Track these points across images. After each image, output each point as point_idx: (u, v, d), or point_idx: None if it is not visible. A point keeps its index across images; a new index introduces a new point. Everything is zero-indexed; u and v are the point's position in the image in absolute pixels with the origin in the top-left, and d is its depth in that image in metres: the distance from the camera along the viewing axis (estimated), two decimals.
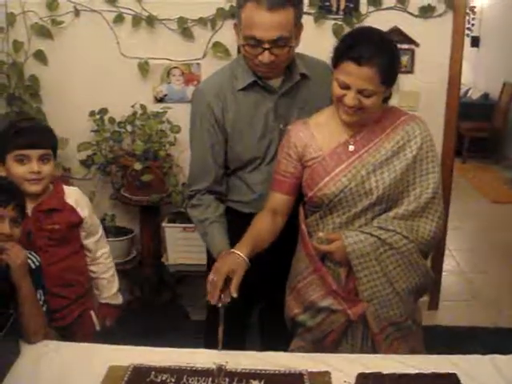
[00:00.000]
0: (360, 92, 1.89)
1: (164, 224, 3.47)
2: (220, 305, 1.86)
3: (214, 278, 1.89)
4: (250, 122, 2.20)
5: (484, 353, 1.89)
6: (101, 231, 2.48)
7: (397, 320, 2.06)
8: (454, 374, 1.69)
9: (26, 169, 2.17)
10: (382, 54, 1.87)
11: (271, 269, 2.28)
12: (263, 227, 2.11)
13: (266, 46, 2.01)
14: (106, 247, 2.49)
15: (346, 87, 1.90)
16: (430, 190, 2.04)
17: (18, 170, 2.17)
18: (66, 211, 2.30)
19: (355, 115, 1.96)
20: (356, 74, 1.87)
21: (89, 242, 2.41)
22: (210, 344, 1.95)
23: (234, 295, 1.85)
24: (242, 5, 2.03)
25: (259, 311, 2.67)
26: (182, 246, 3.43)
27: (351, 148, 2.03)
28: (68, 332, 2.28)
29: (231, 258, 1.96)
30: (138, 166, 3.21)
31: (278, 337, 2.39)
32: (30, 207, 2.20)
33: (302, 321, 2.14)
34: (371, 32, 1.97)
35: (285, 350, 2.06)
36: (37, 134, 2.23)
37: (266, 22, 1.98)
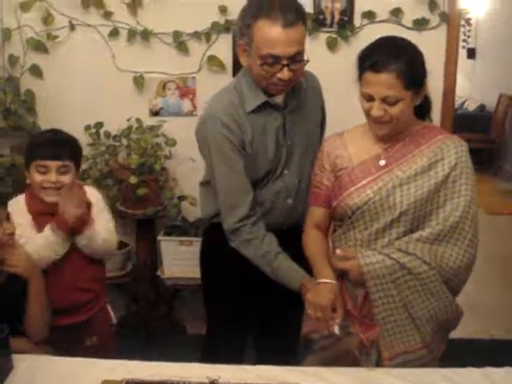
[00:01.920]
0: (384, 101, 1.86)
1: (160, 237, 3.46)
2: (337, 330, 1.89)
3: (319, 314, 1.91)
4: (264, 142, 2.18)
5: (480, 365, 1.88)
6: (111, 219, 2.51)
7: (410, 348, 1.96)
8: None
9: (45, 178, 2.24)
10: (399, 57, 1.84)
11: (264, 291, 2.30)
12: (323, 244, 2.11)
13: (285, 62, 2.01)
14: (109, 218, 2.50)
15: (371, 98, 1.88)
16: (458, 213, 1.92)
17: (38, 179, 2.25)
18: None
19: (384, 127, 1.93)
20: (376, 83, 1.85)
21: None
22: (208, 359, 1.97)
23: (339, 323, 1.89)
24: (251, 24, 2.01)
25: (255, 336, 2.63)
26: (178, 260, 3.42)
27: (382, 162, 1.99)
28: (89, 326, 2.36)
29: (325, 288, 1.96)
30: (133, 180, 3.21)
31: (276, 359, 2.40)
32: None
33: (317, 339, 2.06)
34: (386, 39, 1.96)
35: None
36: (57, 147, 2.28)
37: (285, 39, 1.98)
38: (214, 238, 2.40)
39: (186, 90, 3.45)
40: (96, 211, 2.38)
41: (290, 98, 2.21)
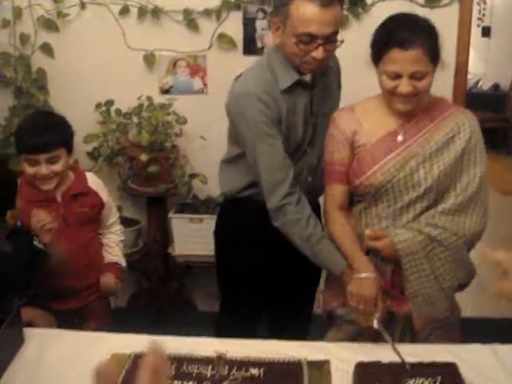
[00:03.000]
0: (412, 77, 1.86)
1: (171, 215, 3.48)
2: (376, 324, 1.90)
3: (361, 307, 1.95)
4: (294, 120, 2.19)
5: (490, 343, 1.89)
6: (117, 212, 2.64)
7: (440, 317, 2.04)
8: (454, 364, 1.70)
9: (36, 170, 2.22)
10: (424, 32, 1.86)
11: (280, 268, 2.33)
12: (352, 230, 2.09)
13: (320, 41, 2.01)
14: (119, 224, 2.63)
15: (397, 76, 1.88)
16: (475, 183, 2.00)
17: (29, 171, 2.24)
18: (90, 195, 2.41)
19: (410, 102, 1.93)
20: (404, 59, 1.85)
21: (110, 224, 2.55)
22: (222, 336, 2.03)
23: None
24: (288, 2, 2.00)
25: (268, 313, 2.64)
26: (188, 237, 3.44)
27: (400, 138, 2.00)
28: (87, 312, 2.40)
29: (368, 282, 1.97)
30: (144, 157, 3.22)
31: (290, 331, 2.42)
32: (58, 193, 2.32)
33: (342, 315, 2.11)
34: (405, 16, 1.96)
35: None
36: (44, 136, 2.21)
37: (322, 18, 1.98)
38: (232, 214, 2.42)
39: (196, 67, 3.44)
40: (106, 212, 2.48)
41: (318, 77, 2.21)
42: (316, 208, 2.33)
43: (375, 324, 1.89)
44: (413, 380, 1.62)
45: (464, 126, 2.01)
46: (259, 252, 2.29)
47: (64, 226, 2.27)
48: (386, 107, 2.02)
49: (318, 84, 2.22)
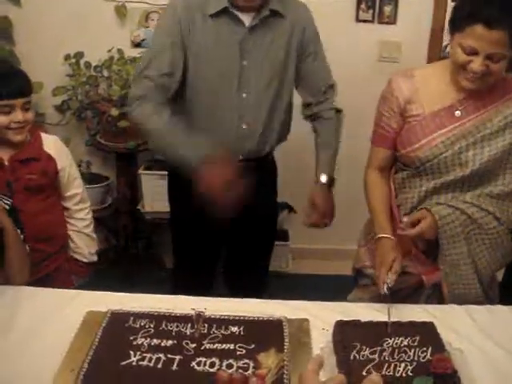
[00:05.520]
0: (489, 57, 1.76)
1: (140, 171, 3.43)
2: (386, 289, 1.84)
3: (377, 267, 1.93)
4: (217, 52, 2.14)
5: None
6: (82, 185, 2.40)
7: (472, 299, 1.97)
8: (431, 323, 1.71)
9: (11, 118, 2.11)
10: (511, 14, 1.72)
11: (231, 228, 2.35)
12: (387, 194, 2.07)
13: None
14: (86, 202, 2.41)
15: (474, 53, 1.77)
16: None
17: (3, 120, 2.11)
18: (43, 161, 2.23)
19: (479, 82, 1.83)
20: (486, 38, 1.72)
21: (69, 196, 2.34)
22: (180, 290, 2.00)
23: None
24: None
25: (226, 259, 2.67)
26: (158, 194, 3.38)
27: (457, 113, 1.92)
28: (48, 282, 2.21)
29: (388, 244, 1.94)
30: (114, 112, 3.15)
31: (245, 283, 2.47)
32: (7, 157, 2.16)
33: (372, 274, 2.08)
34: None
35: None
36: (20, 82, 2.14)
37: None
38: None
39: None
40: (64, 181, 2.28)
41: (262, 24, 2.15)
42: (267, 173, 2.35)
43: (385, 288, 1.83)
44: (392, 339, 1.63)
45: None
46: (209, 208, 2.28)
47: (8, 193, 2.09)
48: (449, 78, 1.93)
49: (255, 26, 2.15)
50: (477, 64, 1.78)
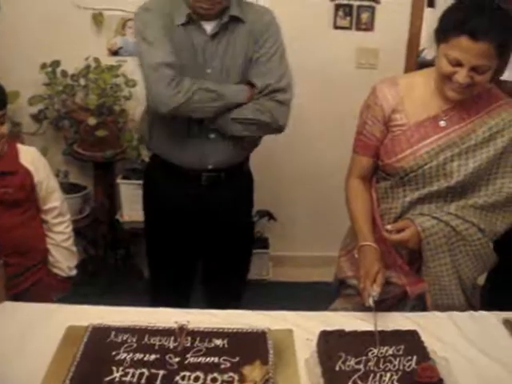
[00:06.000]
0: (474, 69, 1.75)
1: (119, 180, 3.40)
2: (371, 302, 1.81)
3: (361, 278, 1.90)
4: (183, 61, 2.13)
5: None
6: (61, 198, 2.31)
7: (455, 307, 1.97)
8: (415, 331, 1.71)
9: None
10: (498, 26, 1.72)
11: (215, 225, 2.32)
12: (368, 202, 2.05)
13: None
14: (66, 215, 2.33)
15: (458, 64, 1.76)
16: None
17: None
18: (19, 174, 2.14)
19: (463, 93, 1.83)
20: (471, 51, 1.72)
21: (47, 209, 2.26)
22: (158, 302, 1.98)
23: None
24: None
25: (203, 270, 2.64)
26: (136, 203, 3.35)
27: (442, 123, 1.91)
28: (26, 298, 2.11)
29: (371, 253, 1.93)
30: (92, 121, 3.12)
31: (223, 294, 2.47)
32: None
33: (354, 285, 2.07)
34: (483, 1, 1.79)
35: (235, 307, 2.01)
36: None
37: None
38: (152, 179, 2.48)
39: None
40: (42, 193, 2.20)
41: (218, 27, 2.15)
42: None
43: (370, 301, 1.81)
44: (377, 349, 1.62)
45: (510, 122, 1.91)
46: (182, 219, 2.31)
47: None
48: (434, 87, 1.92)
49: (215, 33, 2.15)
50: (461, 76, 1.77)
